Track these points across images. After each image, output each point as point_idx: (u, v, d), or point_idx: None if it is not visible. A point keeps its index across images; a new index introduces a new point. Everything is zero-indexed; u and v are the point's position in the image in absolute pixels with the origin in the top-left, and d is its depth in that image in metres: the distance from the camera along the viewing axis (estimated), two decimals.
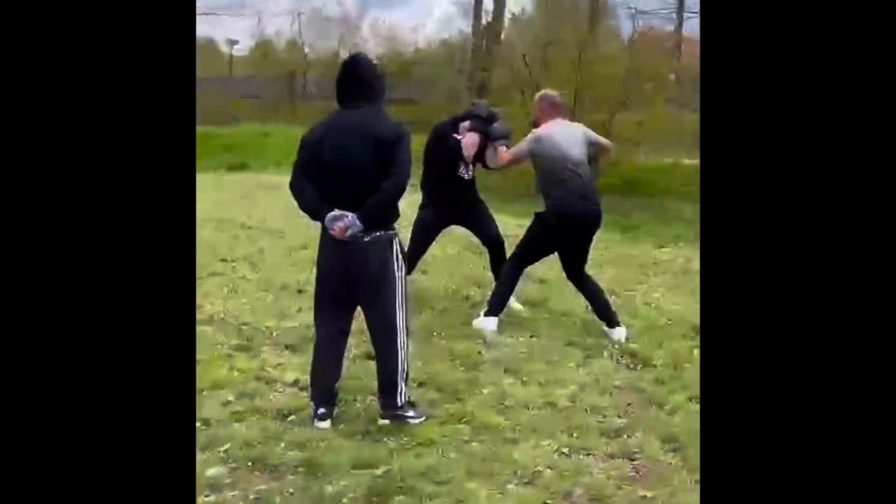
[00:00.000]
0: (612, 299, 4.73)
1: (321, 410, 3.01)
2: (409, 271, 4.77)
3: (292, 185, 2.99)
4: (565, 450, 2.81)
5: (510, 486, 2.54)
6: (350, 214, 2.83)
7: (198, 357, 3.60)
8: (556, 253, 4.38)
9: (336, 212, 2.85)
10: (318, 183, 2.92)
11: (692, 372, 3.66)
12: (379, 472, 2.59)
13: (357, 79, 2.95)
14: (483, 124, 4.43)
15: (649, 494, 2.50)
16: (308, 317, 3.47)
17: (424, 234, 4.69)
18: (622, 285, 5.50)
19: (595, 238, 4.37)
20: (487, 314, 4.26)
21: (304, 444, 2.79)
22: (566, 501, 2.47)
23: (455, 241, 6.23)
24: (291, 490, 2.49)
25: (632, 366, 3.81)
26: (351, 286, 2.97)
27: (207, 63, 22.95)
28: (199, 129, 16.97)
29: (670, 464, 2.73)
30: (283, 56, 22.26)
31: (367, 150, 2.81)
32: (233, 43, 23.60)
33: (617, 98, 10.76)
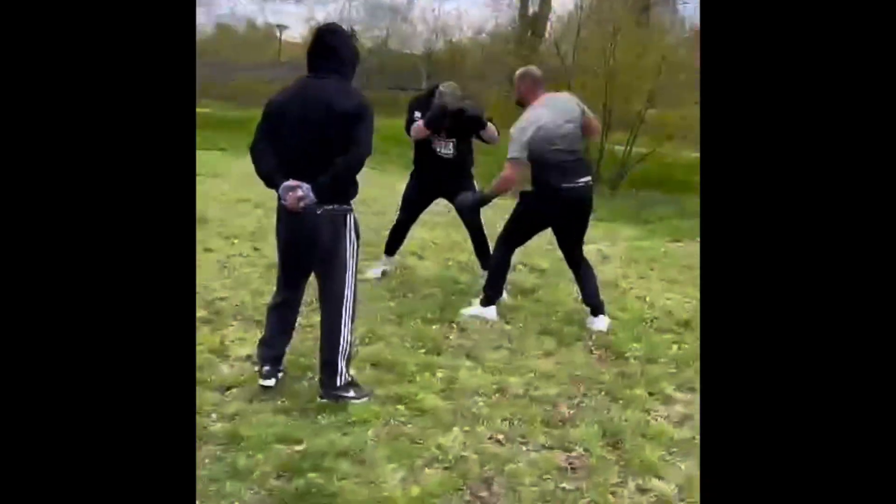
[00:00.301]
0: (609, 291, 4.60)
1: (266, 368, 3.02)
2: (395, 243, 4.82)
3: (252, 150, 2.92)
4: (500, 437, 2.71)
5: (428, 471, 2.46)
6: (305, 185, 2.78)
7: None
8: (554, 243, 4.24)
9: (291, 182, 2.79)
10: (277, 150, 2.86)
11: (663, 367, 3.51)
12: (299, 448, 2.54)
13: (327, 48, 2.87)
14: (439, 118, 4.31)
15: (570, 486, 2.39)
16: None
17: (408, 205, 4.77)
18: (624, 278, 5.34)
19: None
20: (484, 303, 4.17)
21: (234, 417, 2.76)
22: (483, 488, 2.38)
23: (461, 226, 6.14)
24: (207, 460, 2.46)
25: (603, 358, 3.67)
26: (303, 257, 2.94)
27: (257, 49, 23.34)
28: (246, 112, 17.30)
29: (604, 458, 2.60)
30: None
31: (328, 122, 2.74)
32: (282, 28, 23.88)
33: (650, 90, 10.42)
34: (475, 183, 4.70)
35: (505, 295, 4.56)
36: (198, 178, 5.33)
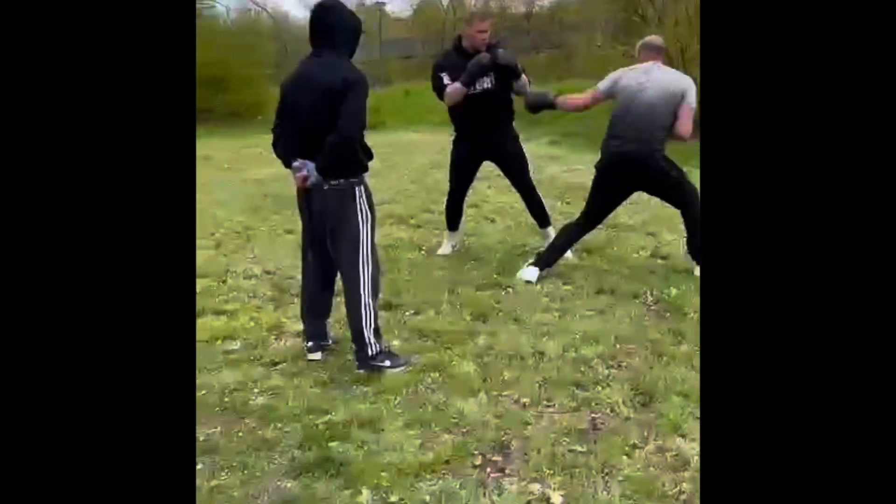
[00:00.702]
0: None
1: (310, 343, 3.17)
2: (455, 216, 4.76)
3: (273, 132, 3.08)
4: (525, 401, 2.68)
5: (445, 436, 2.47)
6: (310, 164, 2.87)
7: (227, 308, 3.86)
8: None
9: (298, 161, 2.91)
10: (285, 131, 3.00)
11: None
12: (325, 419, 2.63)
13: (323, 26, 2.91)
14: (477, 75, 4.19)
15: (582, 449, 2.33)
16: None
17: (458, 173, 4.62)
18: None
19: None
20: (533, 264, 4.13)
21: (273, 390, 2.89)
22: (496, 452, 2.37)
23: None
24: (240, 433, 2.60)
25: (662, 314, 3.52)
26: (318, 232, 3.03)
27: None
28: None
29: (630, 417, 2.51)
30: (432, 15, 22.41)
31: (321, 100, 2.81)
32: (381, 6, 24.11)
33: None
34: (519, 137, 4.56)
35: (569, 253, 4.47)
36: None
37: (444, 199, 4.78)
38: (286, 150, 2.99)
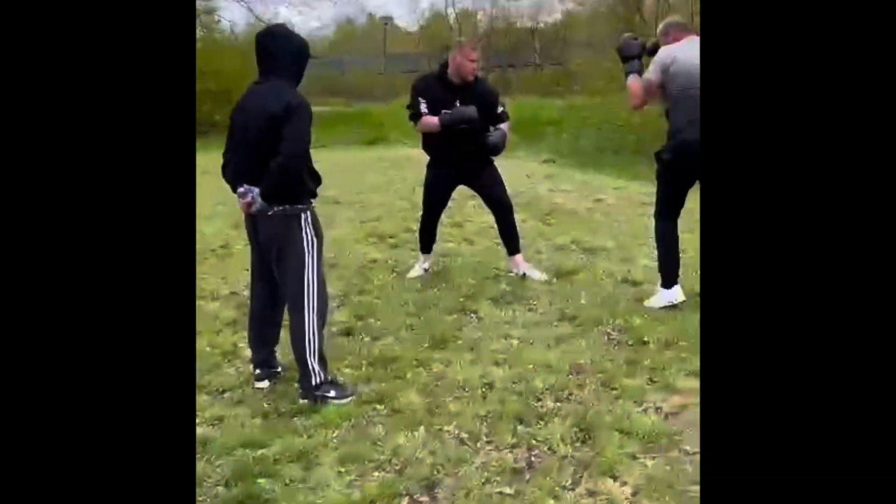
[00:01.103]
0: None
1: (257, 371, 3.16)
2: (429, 239, 4.68)
3: (224, 157, 3.08)
4: (465, 435, 2.62)
5: (376, 474, 2.41)
6: (254, 190, 2.85)
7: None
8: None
9: (243, 187, 2.89)
10: (233, 157, 3.00)
11: (679, 352, 3.25)
12: (259, 453, 2.58)
13: (267, 53, 2.91)
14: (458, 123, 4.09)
15: (510, 491, 2.26)
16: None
17: (430, 200, 4.54)
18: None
19: None
20: (664, 285, 3.83)
21: (214, 420, 2.84)
22: (425, 492, 2.30)
23: (521, 209, 5.97)
24: None
25: (623, 343, 3.45)
26: (265, 257, 3.00)
27: (362, 42, 23.84)
28: (355, 108, 17.74)
29: (566, 456, 2.44)
30: (438, 31, 22.47)
31: (262, 126, 2.79)
32: (386, 20, 24.21)
33: None
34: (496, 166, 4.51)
35: (542, 275, 4.41)
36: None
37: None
38: (233, 176, 2.98)
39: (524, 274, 4.49)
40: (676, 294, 3.81)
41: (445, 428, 2.68)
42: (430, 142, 4.40)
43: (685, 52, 3.57)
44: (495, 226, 5.90)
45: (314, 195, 2.97)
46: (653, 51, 3.83)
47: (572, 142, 11.41)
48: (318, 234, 2.96)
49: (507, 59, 21.44)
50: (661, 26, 3.89)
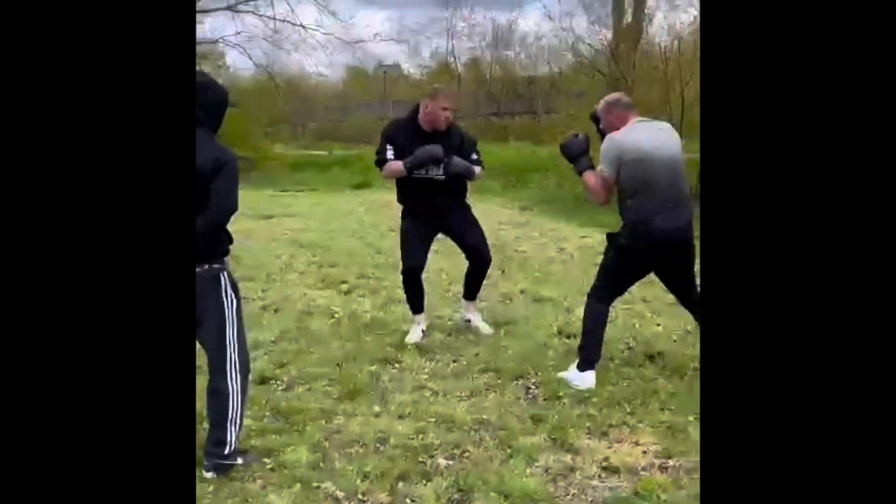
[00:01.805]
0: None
1: None
2: (417, 297, 4.31)
3: None
4: (341, 494, 2.52)
5: None
6: None
7: None
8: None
9: None
10: None
11: (586, 409, 3.16)
12: None
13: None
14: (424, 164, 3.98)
15: None
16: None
17: (409, 250, 4.21)
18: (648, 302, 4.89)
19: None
20: (581, 367, 3.51)
21: None
22: None
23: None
24: None
25: (536, 399, 3.36)
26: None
27: (362, 89, 24.16)
28: (353, 152, 17.83)
29: None
30: (443, 78, 22.70)
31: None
32: (386, 69, 24.59)
33: None
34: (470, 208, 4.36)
35: (484, 327, 4.33)
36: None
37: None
38: None
39: (469, 320, 4.40)
40: (588, 380, 3.46)
41: (324, 484, 2.58)
42: (404, 191, 4.24)
43: (633, 140, 3.38)
44: (447, 272, 5.88)
45: (227, 253, 2.87)
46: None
47: (554, 189, 11.41)
48: (237, 292, 2.84)
49: (507, 107, 21.67)
50: (602, 103, 3.63)
